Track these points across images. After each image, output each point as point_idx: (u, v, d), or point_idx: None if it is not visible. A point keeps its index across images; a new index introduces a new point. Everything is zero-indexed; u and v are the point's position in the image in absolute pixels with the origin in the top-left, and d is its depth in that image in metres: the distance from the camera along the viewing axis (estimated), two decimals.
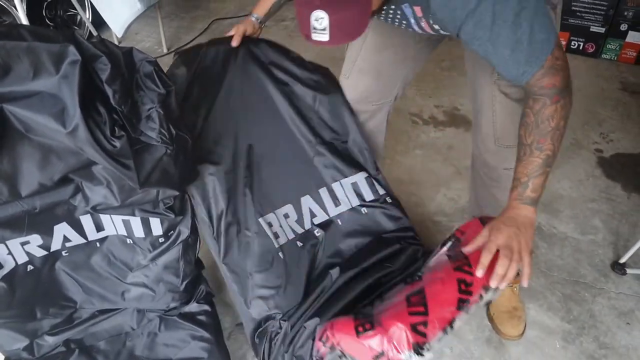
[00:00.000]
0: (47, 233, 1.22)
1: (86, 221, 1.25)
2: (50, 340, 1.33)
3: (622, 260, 1.73)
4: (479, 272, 1.00)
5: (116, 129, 1.00)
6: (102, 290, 1.37)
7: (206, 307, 1.41)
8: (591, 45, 3.01)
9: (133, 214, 1.22)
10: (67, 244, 1.28)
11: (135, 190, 1.11)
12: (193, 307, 1.41)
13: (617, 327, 1.58)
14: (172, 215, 1.26)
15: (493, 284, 0.98)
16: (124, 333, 1.39)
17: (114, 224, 1.27)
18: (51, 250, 1.26)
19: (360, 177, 1.51)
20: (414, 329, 1.03)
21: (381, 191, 1.53)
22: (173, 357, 1.31)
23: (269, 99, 1.49)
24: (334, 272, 1.34)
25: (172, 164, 1.09)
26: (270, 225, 1.38)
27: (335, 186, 1.50)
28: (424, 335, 1.03)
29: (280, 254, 1.35)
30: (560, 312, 1.61)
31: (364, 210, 1.50)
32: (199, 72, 1.43)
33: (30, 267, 1.25)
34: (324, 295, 1.31)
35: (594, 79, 2.85)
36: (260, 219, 1.37)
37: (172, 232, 1.31)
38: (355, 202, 1.50)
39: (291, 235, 1.41)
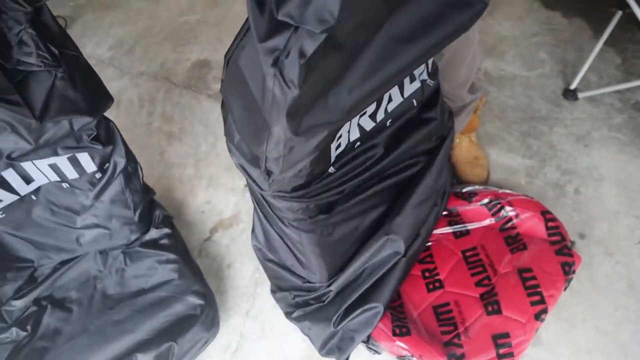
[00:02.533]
0: None
1: (10, 176, 1.15)
2: (18, 304, 1.29)
3: (573, 87, 1.71)
4: None
5: None
6: (55, 242, 1.31)
7: (166, 230, 1.37)
8: None
9: (56, 154, 1.13)
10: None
11: (44, 127, 1.01)
12: (153, 233, 1.36)
13: (577, 152, 1.59)
14: (100, 146, 1.17)
15: None
16: (92, 277, 1.35)
17: (41, 172, 1.17)
18: None
19: None
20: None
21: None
22: (145, 286, 1.29)
23: None
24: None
25: (69, 87, 0.98)
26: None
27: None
28: None
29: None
30: (520, 150, 1.61)
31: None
32: None
33: None
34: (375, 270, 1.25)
35: None
36: None
37: (107, 164, 1.23)
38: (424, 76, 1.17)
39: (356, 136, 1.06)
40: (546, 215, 1.28)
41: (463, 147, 1.55)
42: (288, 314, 1.32)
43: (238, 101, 0.83)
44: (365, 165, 1.11)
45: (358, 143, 1.06)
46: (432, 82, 1.16)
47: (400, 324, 1.18)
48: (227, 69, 0.81)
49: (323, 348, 1.25)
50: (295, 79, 0.68)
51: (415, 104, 1.13)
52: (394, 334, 1.16)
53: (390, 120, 1.10)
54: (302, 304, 1.29)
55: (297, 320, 1.29)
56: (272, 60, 0.68)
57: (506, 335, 1.10)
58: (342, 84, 0.75)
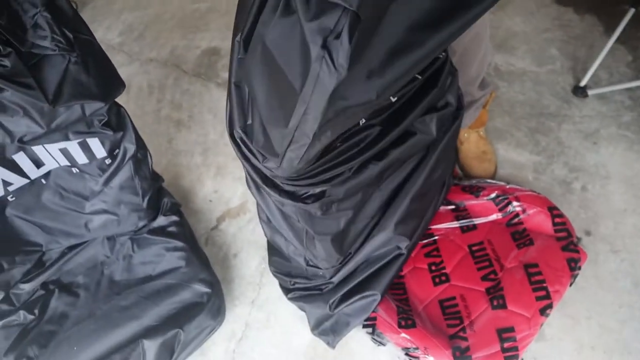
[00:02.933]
0: None
1: (21, 160, 1.16)
2: (26, 287, 1.30)
3: (583, 84, 1.70)
4: None
5: (0, 46, 0.87)
6: (64, 227, 1.32)
7: (174, 218, 1.37)
8: None
9: (67, 139, 1.13)
10: (10, 188, 1.20)
11: (57, 111, 1.01)
12: (161, 220, 1.37)
13: (585, 149, 1.59)
14: (111, 132, 1.17)
15: None
16: (99, 263, 1.36)
17: (52, 156, 1.18)
18: None
19: None
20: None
21: None
22: (152, 273, 1.29)
23: None
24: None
25: (82, 72, 0.98)
26: None
27: None
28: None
29: None
30: (528, 146, 1.61)
31: None
32: None
33: None
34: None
35: None
36: None
37: (117, 150, 1.23)
38: None
39: None
40: (553, 211, 1.28)
41: (471, 142, 1.55)
42: (285, 293, 1.34)
43: (263, 83, 0.78)
44: (365, 142, 1.05)
45: (363, 120, 1.03)
46: (442, 54, 1.12)
47: (406, 316, 1.19)
48: (250, 49, 0.76)
49: (317, 328, 1.27)
50: (345, 63, 0.64)
51: (420, 77, 1.08)
52: (400, 326, 1.17)
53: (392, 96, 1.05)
54: (301, 289, 1.31)
55: (294, 300, 1.31)
56: (321, 41, 0.64)
57: (511, 329, 1.11)
58: (371, 66, 0.72)
